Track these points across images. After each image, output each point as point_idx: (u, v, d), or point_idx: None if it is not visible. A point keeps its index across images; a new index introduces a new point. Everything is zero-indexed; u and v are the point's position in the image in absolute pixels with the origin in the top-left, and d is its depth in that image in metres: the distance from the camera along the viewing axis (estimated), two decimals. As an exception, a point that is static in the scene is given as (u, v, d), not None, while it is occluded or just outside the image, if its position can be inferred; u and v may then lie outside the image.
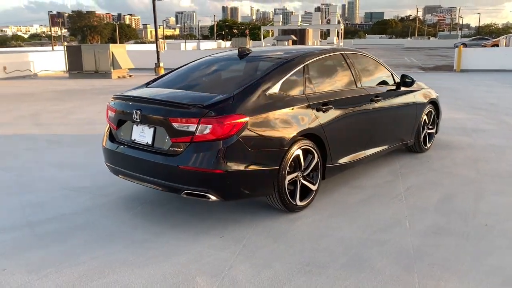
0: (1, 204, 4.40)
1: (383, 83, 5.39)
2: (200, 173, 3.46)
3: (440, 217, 3.98)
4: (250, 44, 53.21)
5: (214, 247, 3.44)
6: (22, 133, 7.84)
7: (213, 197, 3.52)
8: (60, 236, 3.67)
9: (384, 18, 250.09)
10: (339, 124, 4.40)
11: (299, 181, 4.04)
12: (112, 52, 18.55)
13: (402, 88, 5.51)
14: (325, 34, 54.61)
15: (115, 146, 4.05)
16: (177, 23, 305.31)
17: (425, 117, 5.98)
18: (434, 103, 6.23)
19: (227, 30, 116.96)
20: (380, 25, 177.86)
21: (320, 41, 47.01)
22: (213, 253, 3.35)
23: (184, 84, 4.28)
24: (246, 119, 3.54)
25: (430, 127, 6.24)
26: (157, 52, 20.36)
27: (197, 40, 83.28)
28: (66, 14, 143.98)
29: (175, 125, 3.53)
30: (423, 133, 6.02)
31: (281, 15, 55.86)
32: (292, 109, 3.93)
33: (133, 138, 3.90)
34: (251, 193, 3.73)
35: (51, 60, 21.51)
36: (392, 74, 5.51)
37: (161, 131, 3.65)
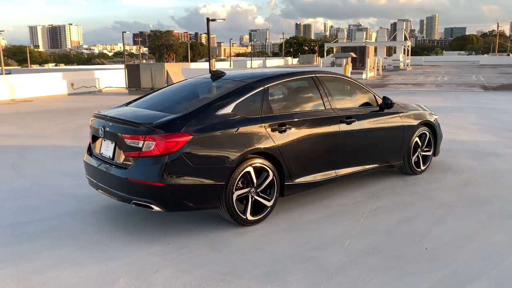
0: (1, 206, 5.07)
1: (363, 105, 5.49)
2: (144, 185, 3.85)
3: (385, 238, 4.03)
4: (318, 61, 53.00)
5: (154, 253, 3.79)
6: (57, 144, 8.75)
7: (156, 208, 3.89)
8: (34, 236, 4.21)
9: (466, 33, 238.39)
10: (299, 144, 4.59)
11: (252, 196, 4.28)
12: (167, 71, 19.75)
13: (387, 110, 5.56)
14: (392, 50, 53.38)
15: (91, 159, 4.57)
16: (250, 40, 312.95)
17: (416, 139, 5.94)
18: (429, 125, 6.16)
19: (296, 47, 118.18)
20: (459, 41, 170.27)
21: (384, 57, 46.12)
22: (150, 258, 3.70)
23: (153, 104, 4.71)
24: (189, 137, 3.88)
25: (426, 149, 6.17)
26: (210, 70, 21.28)
27: (264, 58, 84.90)
28: (147, 34, 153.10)
29: (127, 141, 3.96)
30: (415, 156, 5.97)
31: (345, 32, 55.38)
32: (244, 128, 4.21)
33: (101, 152, 4.39)
34: (195, 206, 4.05)
35: (115, 77, 23.24)
36: (374, 96, 5.58)
37: (118, 146, 4.10)
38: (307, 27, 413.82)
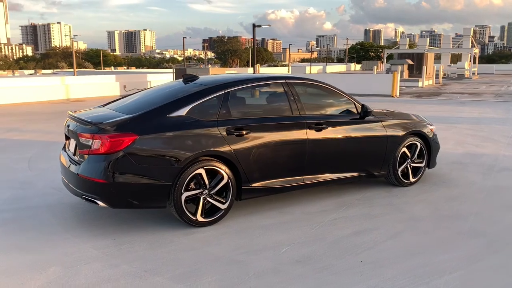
0: (-4, 195, 5.54)
1: (342, 112, 5.39)
2: (90, 181, 4.06)
3: (326, 248, 3.94)
4: (381, 68, 51.54)
5: (96, 246, 3.98)
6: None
7: (101, 204, 4.09)
8: (4, 222, 4.57)
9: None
10: (259, 149, 4.61)
11: (204, 198, 4.36)
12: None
13: (368, 118, 5.41)
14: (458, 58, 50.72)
15: (63, 157, 4.84)
16: (317, 46, 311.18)
17: (404, 149, 5.71)
18: (421, 136, 5.89)
19: (362, 53, 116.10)
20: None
21: (448, 65, 43.95)
22: (89, 251, 3.89)
23: (123, 106, 4.90)
24: (135, 137, 4.04)
25: (418, 160, 5.91)
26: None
27: (324, 64, 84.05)
28: (213, 39, 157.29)
29: (81, 139, 4.20)
30: (402, 167, 5.74)
31: (407, 38, 53.47)
32: (197, 131, 4.30)
33: (69, 149, 4.67)
34: (141, 205, 4.20)
35: (167, 80, 24.16)
36: (355, 104, 5.44)
37: (77, 144, 4.36)
38: (377, 33, 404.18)
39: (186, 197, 4.26)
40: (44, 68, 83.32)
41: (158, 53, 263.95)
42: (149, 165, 4.11)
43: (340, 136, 5.21)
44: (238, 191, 4.59)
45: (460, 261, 3.69)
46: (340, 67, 69.85)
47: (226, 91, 4.66)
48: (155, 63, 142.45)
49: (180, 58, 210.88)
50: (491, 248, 3.98)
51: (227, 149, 4.41)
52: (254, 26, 21.49)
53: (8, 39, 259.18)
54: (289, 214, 4.83)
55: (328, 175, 5.20)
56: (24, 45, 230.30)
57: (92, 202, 4.15)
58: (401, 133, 5.68)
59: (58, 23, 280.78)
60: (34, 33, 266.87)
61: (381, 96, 20.61)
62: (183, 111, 4.36)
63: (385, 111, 5.92)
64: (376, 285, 3.29)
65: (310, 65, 63.99)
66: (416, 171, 5.96)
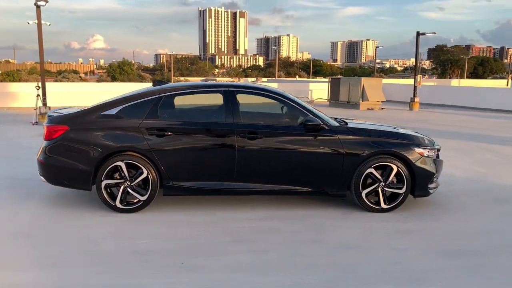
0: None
1: (292, 124, 5.22)
2: (38, 162, 5.14)
3: (176, 248, 4.12)
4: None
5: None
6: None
7: (43, 179, 5.13)
8: None
9: None
10: (181, 150, 4.99)
11: (124, 188, 4.98)
12: (363, 85, 19.84)
13: (323, 132, 5.11)
14: None
15: None
16: None
17: (371, 170, 5.12)
18: (400, 158, 5.15)
19: None
20: None
21: None
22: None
23: (101, 103, 5.79)
24: (67, 128, 4.95)
25: (397, 185, 5.19)
26: (414, 87, 20.10)
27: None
28: (432, 49, 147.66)
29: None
30: (368, 190, 5.16)
31: None
32: (121, 128, 4.96)
33: None
34: (69, 184, 5.08)
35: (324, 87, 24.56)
36: (313, 116, 5.17)
37: None
38: None
39: (106, 184, 4.96)
40: (264, 77, 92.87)
41: (378, 63, 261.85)
42: (75, 152, 4.97)
43: (279, 147, 5.08)
44: (162, 187, 5.04)
45: None
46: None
47: (159, 95, 5.16)
48: (368, 72, 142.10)
49: (399, 68, 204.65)
50: None
51: (146, 147, 4.93)
52: (418, 34, 20.01)
53: (245, 50, 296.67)
54: (201, 216, 5.00)
55: (264, 185, 5.14)
56: (257, 56, 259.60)
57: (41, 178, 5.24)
58: (364, 151, 5.12)
59: (288, 35, 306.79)
60: (267, 45, 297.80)
61: None
62: (114, 111, 5.08)
63: (365, 127, 5.44)
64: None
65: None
66: (395, 197, 5.24)
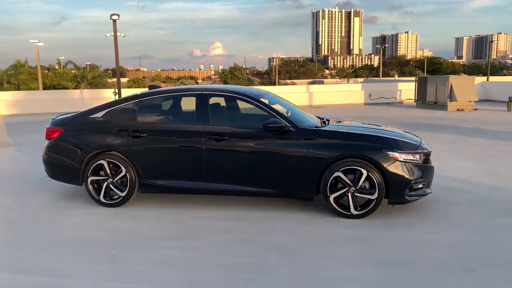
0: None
1: (260, 127, 5.20)
2: (42, 159, 5.88)
3: (118, 239, 4.48)
4: None
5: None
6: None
7: (46, 175, 5.85)
8: None
9: None
10: (154, 151, 5.36)
11: (107, 185, 5.49)
12: (451, 84, 18.33)
13: (289, 135, 5.07)
14: None
15: None
16: None
17: (338, 174, 4.94)
18: (372, 162, 4.88)
19: None
20: None
21: None
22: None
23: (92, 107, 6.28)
24: (61, 130, 5.61)
25: (370, 191, 4.94)
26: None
27: None
28: None
29: None
30: (336, 194, 4.99)
31: None
32: (104, 130, 5.48)
33: None
34: (64, 179, 5.71)
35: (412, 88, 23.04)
36: (281, 119, 5.13)
37: None
38: None
39: (92, 180, 5.50)
40: (375, 77, 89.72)
41: (511, 59, 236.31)
42: (67, 151, 5.60)
43: (244, 149, 5.16)
44: (139, 184, 5.45)
45: None
46: None
47: (140, 99, 5.58)
48: (496, 69, 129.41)
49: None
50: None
51: (124, 147, 5.38)
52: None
53: (360, 50, 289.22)
54: (170, 214, 5.28)
55: (233, 186, 5.25)
56: (372, 55, 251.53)
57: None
58: (330, 154, 4.95)
59: (406, 32, 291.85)
60: (383, 43, 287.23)
61: None
62: (100, 114, 5.62)
63: (339, 129, 5.27)
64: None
65: None
66: (367, 203, 4.98)
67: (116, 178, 5.46)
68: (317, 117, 6.29)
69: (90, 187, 5.53)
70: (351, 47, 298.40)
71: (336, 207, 5.02)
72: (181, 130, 5.35)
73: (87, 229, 4.83)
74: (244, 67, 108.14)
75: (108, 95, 17.70)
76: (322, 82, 55.71)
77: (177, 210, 5.39)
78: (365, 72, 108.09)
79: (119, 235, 4.62)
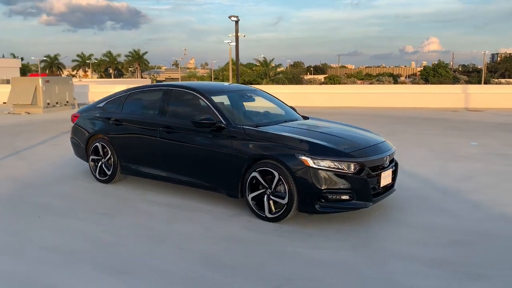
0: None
1: (202, 121, 5.34)
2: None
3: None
4: None
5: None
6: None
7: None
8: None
9: None
10: (126, 138, 6.15)
11: (100, 165, 6.50)
12: None
13: (224, 132, 5.16)
14: None
15: None
16: None
17: (254, 174, 4.85)
18: (284, 165, 4.65)
19: None
20: None
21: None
22: None
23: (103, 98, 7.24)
24: (78, 116, 6.85)
25: (283, 195, 4.70)
26: None
27: None
28: None
29: None
30: (253, 194, 4.92)
31: None
32: (100, 118, 6.50)
33: None
34: (81, 157, 6.90)
35: None
36: (219, 116, 5.27)
37: None
38: None
39: (92, 158, 6.58)
40: None
41: None
42: (79, 133, 6.80)
43: (185, 144, 5.48)
44: (120, 166, 6.29)
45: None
46: None
47: (128, 93, 6.40)
48: None
49: None
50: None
51: (108, 133, 6.31)
52: None
53: None
54: (160, 199, 5.87)
55: (182, 177, 5.62)
56: None
57: (75, 152, 7.30)
58: (246, 154, 4.90)
59: None
60: None
61: None
62: (102, 104, 6.64)
63: (270, 130, 5.11)
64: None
65: None
66: (283, 208, 4.74)
67: (106, 159, 6.41)
68: (303, 116, 6.15)
69: (92, 164, 6.62)
70: None
71: (253, 207, 4.92)
72: (146, 122, 5.95)
73: (65, 200, 5.88)
74: (451, 63, 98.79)
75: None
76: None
77: (164, 198, 5.72)
78: None
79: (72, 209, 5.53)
